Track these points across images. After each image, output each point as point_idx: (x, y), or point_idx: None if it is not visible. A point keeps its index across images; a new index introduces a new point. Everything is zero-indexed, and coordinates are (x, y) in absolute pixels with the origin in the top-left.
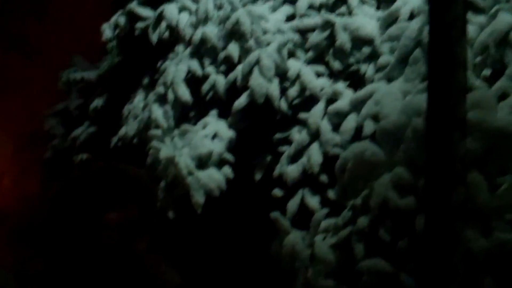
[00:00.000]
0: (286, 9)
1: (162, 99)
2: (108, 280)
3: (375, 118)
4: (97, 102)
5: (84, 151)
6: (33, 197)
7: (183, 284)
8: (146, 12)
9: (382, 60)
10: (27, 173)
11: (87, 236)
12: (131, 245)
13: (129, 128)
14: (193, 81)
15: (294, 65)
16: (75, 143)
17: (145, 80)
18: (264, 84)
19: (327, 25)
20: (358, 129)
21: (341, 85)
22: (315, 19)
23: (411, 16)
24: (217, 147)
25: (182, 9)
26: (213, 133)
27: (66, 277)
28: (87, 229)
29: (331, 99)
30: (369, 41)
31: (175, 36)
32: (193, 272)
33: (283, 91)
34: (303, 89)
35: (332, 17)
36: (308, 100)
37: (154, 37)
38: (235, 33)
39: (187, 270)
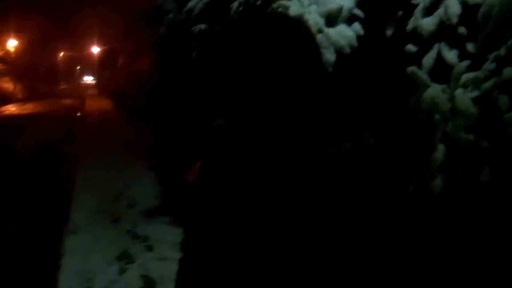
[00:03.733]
0: None
1: None
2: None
3: None
4: None
5: (202, 22)
6: (147, 75)
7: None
8: None
9: None
10: (141, 51)
11: None
12: None
13: None
14: None
15: None
16: (190, 15)
17: None
18: None
19: None
20: None
21: None
22: None
23: None
24: (347, 3)
25: None
26: None
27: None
28: None
29: None
30: None
31: None
32: None
33: None
34: None
35: None
36: None
37: None
38: None
39: None
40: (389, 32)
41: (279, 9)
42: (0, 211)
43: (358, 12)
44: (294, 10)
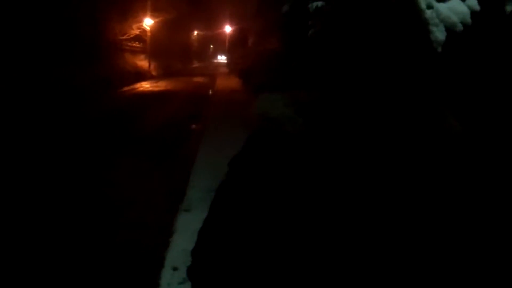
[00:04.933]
0: None
1: None
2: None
3: None
4: None
5: None
6: (272, 54)
7: (463, 132)
8: None
9: None
10: (269, 30)
11: None
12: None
13: None
14: None
15: None
16: None
17: None
18: None
19: None
20: None
21: None
22: None
23: None
24: None
25: None
26: None
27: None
28: None
29: None
30: None
31: None
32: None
33: None
34: None
35: None
36: None
37: None
38: None
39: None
40: (509, 8)
41: None
42: (124, 179)
43: None
44: None
